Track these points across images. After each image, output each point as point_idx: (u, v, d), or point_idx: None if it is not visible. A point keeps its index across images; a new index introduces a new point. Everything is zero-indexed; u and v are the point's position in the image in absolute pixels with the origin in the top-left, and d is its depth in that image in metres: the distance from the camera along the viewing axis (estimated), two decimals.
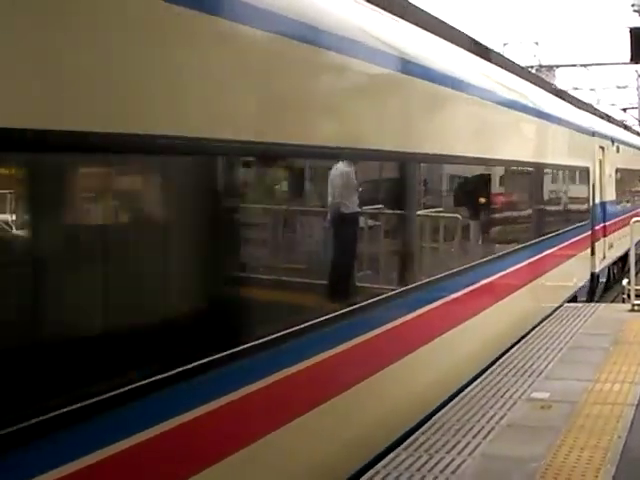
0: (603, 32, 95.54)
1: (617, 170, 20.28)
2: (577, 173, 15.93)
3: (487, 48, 11.67)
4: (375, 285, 6.75)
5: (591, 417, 6.95)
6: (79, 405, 3.41)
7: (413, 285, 7.03)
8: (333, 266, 5.95)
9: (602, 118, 22.44)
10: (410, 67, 7.13)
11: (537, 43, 31.02)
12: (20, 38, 3.15)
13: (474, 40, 10.80)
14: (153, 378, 3.82)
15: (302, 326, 5.14)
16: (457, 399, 7.55)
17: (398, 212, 7.17)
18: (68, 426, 3.37)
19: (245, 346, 4.52)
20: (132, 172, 4.09)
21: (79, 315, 3.68)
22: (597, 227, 17.26)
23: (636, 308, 12.39)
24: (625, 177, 22.35)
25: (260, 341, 4.66)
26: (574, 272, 15.01)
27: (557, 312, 12.21)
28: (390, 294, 6.66)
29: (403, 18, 7.80)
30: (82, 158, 3.65)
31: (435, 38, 8.72)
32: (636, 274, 13.87)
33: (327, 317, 5.49)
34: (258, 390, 4.63)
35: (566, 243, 14.06)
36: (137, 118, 3.77)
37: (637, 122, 39.41)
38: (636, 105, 40.91)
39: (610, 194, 19.19)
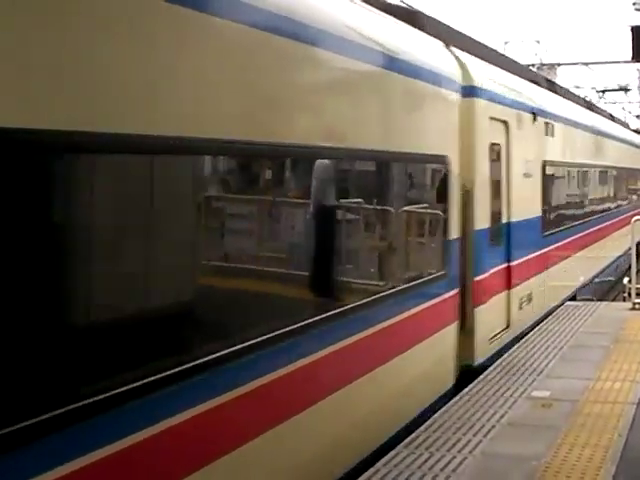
0: (605, 30, 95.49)
1: (544, 164, 12.40)
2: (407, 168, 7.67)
3: None
4: None
5: (592, 416, 6.95)
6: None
7: None
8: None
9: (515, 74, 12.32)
10: None
11: (538, 41, 31.00)
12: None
13: None
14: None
15: None
16: (457, 397, 7.55)
17: None
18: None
19: None
20: None
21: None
22: (480, 277, 9.15)
23: (637, 307, 12.40)
24: (566, 178, 14.63)
25: None
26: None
27: (558, 311, 12.17)
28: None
29: None
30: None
31: None
32: (637, 273, 13.84)
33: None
34: None
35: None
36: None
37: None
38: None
39: (525, 208, 11.20)
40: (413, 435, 6.48)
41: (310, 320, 5.45)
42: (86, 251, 3.69)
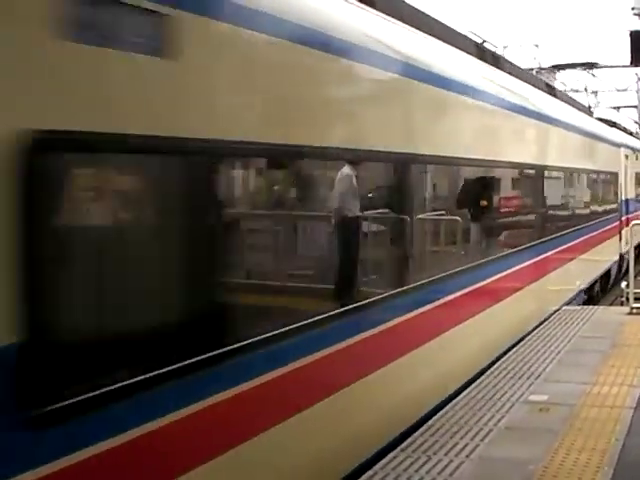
0: (603, 35, 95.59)
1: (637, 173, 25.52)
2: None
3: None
4: None
5: (589, 420, 6.95)
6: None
7: None
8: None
9: (627, 133, 27.32)
10: None
11: (537, 45, 31.02)
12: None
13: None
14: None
15: None
16: (455, 401, 7.55)
17: None
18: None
19: None
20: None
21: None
22: (623, 218, 21.57)
23: (634, 311, 12.40)
24: None
25: None
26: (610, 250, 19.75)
27: (555, 315, 12.22)
28: None
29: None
30: None
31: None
32: (635, 277, 13.88)
33: None
34: None
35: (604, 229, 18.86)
36: None
37: (633, 122, 39.35)
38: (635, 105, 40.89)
39: (631, 192, 23.92)
40: (410, 439, 6.47)
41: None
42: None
